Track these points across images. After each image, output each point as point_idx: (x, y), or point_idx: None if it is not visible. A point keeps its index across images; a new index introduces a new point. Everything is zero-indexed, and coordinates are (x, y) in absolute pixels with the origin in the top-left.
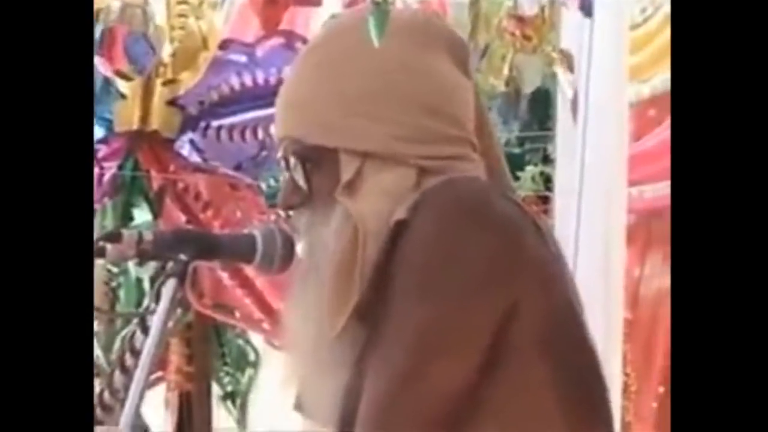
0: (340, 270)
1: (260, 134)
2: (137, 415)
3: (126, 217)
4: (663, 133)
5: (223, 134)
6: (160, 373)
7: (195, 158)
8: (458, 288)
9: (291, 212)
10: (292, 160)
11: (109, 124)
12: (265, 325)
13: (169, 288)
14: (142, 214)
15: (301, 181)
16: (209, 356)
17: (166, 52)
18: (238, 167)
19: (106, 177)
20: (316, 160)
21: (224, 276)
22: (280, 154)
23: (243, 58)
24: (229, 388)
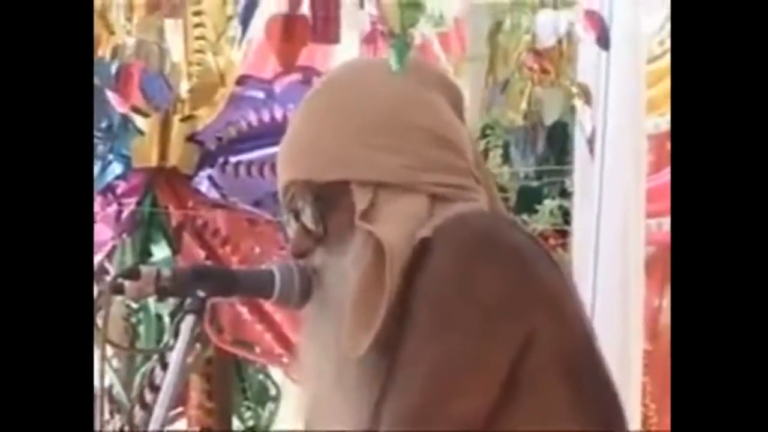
0: (364, 290)
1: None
2: None
3: (145, 254)
4: None
5: (242, 170)
6: (180, 409)
7: (213, 194)
8: (475, 321)
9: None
10: (301, 204)
11: (127, 161)
12: (285, 360)
13: (187, 324)
14: (161, 251)
15: (312, 224)
16: (230, 391)
17: (183, 88)
18: (256, 203)
19: (125, 213)
20: (328, 197)
21: (244, 311)
22: (285, 205)
23: (261, 94)
24: (250, 423)
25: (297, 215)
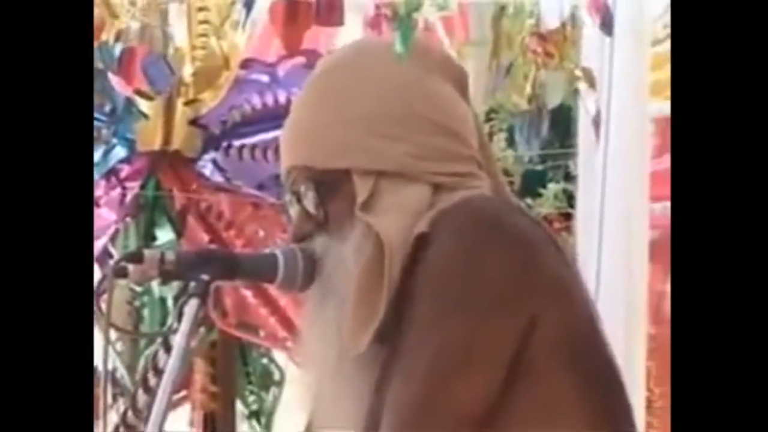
0: (363, 286)
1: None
2: None
3: (149, 237)
4: None
5: (246, 154)
6: (184, 393)
7: (217, 178)
8: (478, 305)
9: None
10: (303, 189)
11: (131, 144)
12: (289, 344)
13: (191, 307)
14: (165, 234)
15: (313, 209)
16: (234, 375)
17: (187, 71)
18: (260, 187)
19: (129, 197)
20: (330, 183)
21: (248, 294)
22: (287, 187)
23: (264, 78)
24: (254, 407)
25: (299, 198)
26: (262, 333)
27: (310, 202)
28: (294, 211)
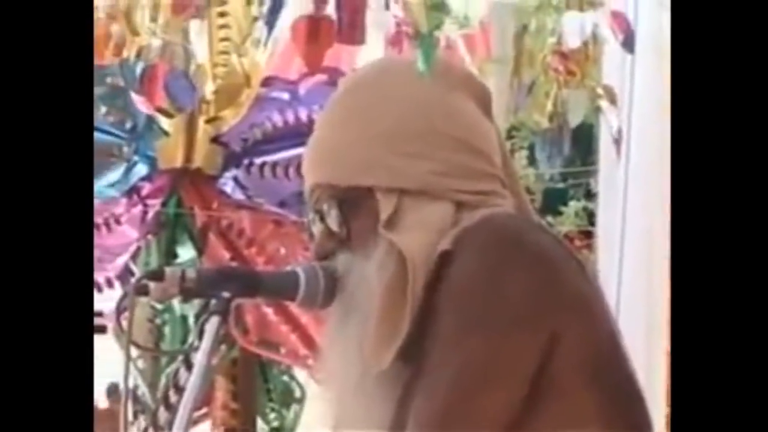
0: (387, 303)
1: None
2: None
3: (170, 255)
4: None
5: (267, 171)
6: (205, 410)
7: (238, 195)
8: (501, 322)
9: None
10: (326, 207)
11: (152, 162)
12: (310, 361)
13: (212, 325)
14: (186, 252)
15: (336, 226)
16: (254, 393)
17: (208, 89)
18: (281, 204)
19: (150, 214)
20: (353, 201)
21: (269, 312)
22: (311, 206)
23: (285, 95)
24: (275, 424)
25: (322, 216)
26: (283, 350)
27: (333, 220)
28: (317, 229)
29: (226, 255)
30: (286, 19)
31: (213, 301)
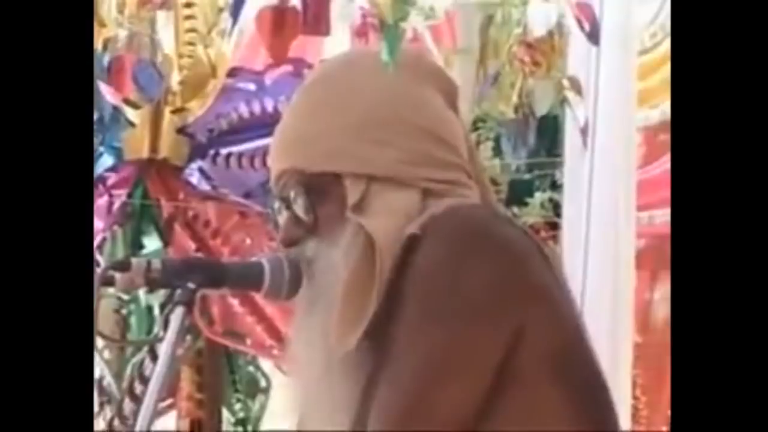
0: (353, 285)
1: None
2: None
3: (136, 245)
4: None
5: (233, 162)
6: (170, 401)
7: (204, 186)
8: (465, 313)
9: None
10: (293, 194)
11: (118, 152)
12: (276, 352)
13: (177, 316)
14: (151, 242)
15: (303, 213)
16: (220, 383)
17: (174, 80)
18: (247, 195)
19: (116, 205)
20: (320, 187)
21: (235, 303)
22: (277, 193)
23: (251, 86)
24: (241, 415)
25: (288, 204)
26: (248, 341)
27: (299, 207)
28: (283, 217)
29: (192, 246)
30: (252, 9)
31: (178, 292)
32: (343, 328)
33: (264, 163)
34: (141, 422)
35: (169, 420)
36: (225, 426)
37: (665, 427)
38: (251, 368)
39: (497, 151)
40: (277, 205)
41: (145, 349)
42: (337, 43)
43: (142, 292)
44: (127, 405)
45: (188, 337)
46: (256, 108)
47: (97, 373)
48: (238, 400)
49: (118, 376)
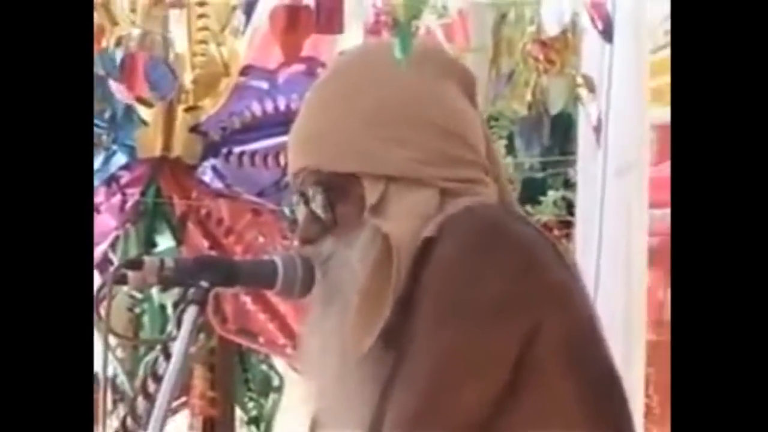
0: (370, 287)
1: (282, 160)
2: None
3: (149, 244)
4: None
5: (246, 160)
6: (183, 399)
7: (217, 184)
8: (481, 312)
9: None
10: (311, 192)
11: (131, 151)
12: (289, 350)
13: (190, 314)
14: (164, 241)
15: (321, 212)
16: (233, 381)
17: (187, 78)
18: (260, 193)
19: (129, 203)
20: (338, 186)
21: (247, 301)
22: (295, 189)
23: (264, 85)
24: (254, 413)
25: (307, 201)
26: (261, 339)
27: (318, 205)
28: (301, 212)
29: (205, 244)
30: (265, 7)
31: (191, 290)
32: (359, 331)
33: (277, 162)
34: (154, 420)
35: (182, 418)
36: (238, 424)
37: None
38: (264, 366)
39: (510, 150)
40: (296, 199)
41: (159, 347)
42: (350, 41)
43: (155, 291)
44: (141, 403)
45: (201, 336)
46: (269, 106)
47: (110, 372)
48: (251, 399)
49: (131, 375)
